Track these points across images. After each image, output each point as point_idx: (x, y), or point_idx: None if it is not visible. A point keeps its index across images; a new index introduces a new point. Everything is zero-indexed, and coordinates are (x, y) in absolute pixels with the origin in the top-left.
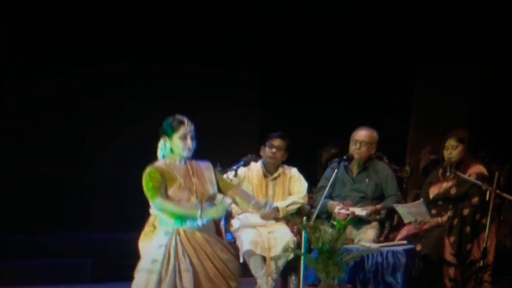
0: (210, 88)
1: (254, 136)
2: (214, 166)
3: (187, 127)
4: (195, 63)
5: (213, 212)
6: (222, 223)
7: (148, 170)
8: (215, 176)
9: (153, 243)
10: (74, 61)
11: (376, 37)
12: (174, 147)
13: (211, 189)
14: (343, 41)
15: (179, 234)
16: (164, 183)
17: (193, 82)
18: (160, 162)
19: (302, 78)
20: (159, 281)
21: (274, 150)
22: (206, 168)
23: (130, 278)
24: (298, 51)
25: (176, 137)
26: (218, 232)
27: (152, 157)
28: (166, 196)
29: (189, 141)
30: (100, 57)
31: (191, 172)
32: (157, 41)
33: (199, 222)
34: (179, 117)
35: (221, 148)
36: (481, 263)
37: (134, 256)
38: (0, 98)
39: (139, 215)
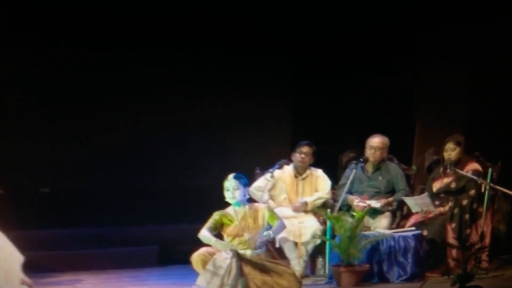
0: (241, 102)
1: (287, 142)
2: (254, 170)
3: (228, 182)
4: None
5: (221, 246)
6: None
7: (215, 212)
8: (268, 212)
9: (221, 253)
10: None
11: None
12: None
13: (262, 225)
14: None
15: (238, 255)
16: (218, 223)
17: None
18: (228, 208)
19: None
20: (221, 284)
21: (303, 155)
22: (261, 209)
23: (187, 261)
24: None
25: (224, 191)
26: (273, 256)
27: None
28: (222, 231)
29: (230, 193)
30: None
31: (248, 213)
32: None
33: (253, 252)
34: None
35: (258, 152)
36: (479, 245)
37: (190, 244)
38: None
39: (194, 211)
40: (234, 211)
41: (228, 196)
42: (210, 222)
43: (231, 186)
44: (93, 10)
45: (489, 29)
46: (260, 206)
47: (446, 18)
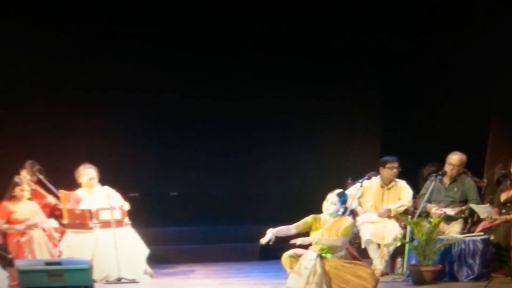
0: (335, 118)
1: (375, 156)
2: (346, 180)
3: (331, 194)
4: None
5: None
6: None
7: (311, 214)
8: (345, 224)
9: (307, 256)
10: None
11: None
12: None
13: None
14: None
15: (321, 257)
16: (307, 224)
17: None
18: (323, 214)
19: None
20: (306, 282)
21: (395, 170)
22: (345, 221)
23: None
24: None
25: (325, 200)
26: (353, 257)
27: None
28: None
29: (327, 204)
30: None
31: (334, 224)
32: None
33: (333, 256)
34: None
35: (350, 165)
36: None
37: (285, 242)
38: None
39: (292, 214)
40: (324, 220)
41: (324, 205)
42: (301, 221)
43: (330, 200)
44: None
45: None
46: (347, 219)
47: None
